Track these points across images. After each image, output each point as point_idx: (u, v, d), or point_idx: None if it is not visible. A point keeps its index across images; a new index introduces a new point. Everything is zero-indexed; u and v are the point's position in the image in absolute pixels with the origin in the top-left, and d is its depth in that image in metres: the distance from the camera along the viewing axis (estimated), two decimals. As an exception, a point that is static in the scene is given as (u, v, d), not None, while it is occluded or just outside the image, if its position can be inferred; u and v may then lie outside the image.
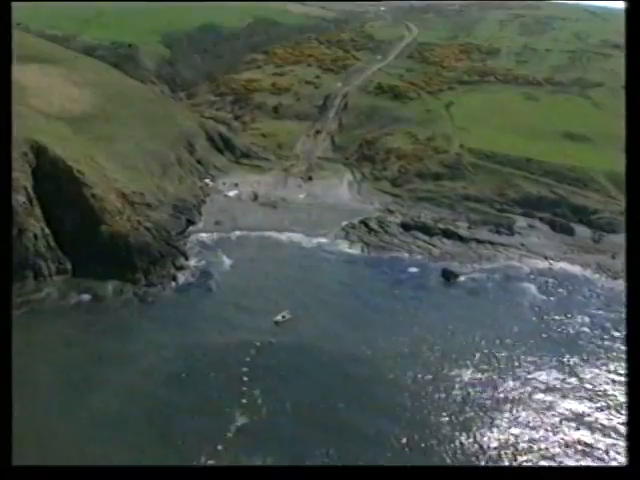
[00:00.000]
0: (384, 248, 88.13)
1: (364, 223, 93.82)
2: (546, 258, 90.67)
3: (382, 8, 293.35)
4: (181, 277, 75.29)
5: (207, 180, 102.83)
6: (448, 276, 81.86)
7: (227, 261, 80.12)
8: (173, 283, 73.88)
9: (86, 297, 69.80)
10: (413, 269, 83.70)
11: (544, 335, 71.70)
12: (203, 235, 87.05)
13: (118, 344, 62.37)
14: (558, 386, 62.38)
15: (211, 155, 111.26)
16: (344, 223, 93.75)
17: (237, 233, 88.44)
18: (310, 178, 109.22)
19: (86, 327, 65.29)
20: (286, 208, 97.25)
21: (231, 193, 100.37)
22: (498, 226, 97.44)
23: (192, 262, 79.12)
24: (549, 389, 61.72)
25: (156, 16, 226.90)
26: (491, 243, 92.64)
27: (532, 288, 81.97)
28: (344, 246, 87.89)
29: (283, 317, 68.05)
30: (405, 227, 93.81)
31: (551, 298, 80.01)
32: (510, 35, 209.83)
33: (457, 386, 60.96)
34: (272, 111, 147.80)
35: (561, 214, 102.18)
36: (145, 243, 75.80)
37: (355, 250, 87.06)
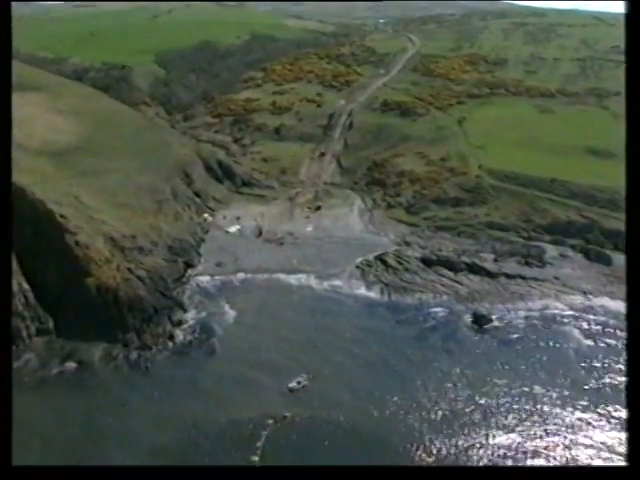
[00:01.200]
0: (405, 289, 77.96)
1: (381, 260, 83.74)
2: (585, 293, 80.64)
3: (381, 20, 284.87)
4: (179, 335, 65.24)
5: (206, 215, 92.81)
6: (480, 321, 71.75)
7: (231, 312, 70.04)
8: (170, 343, 63.66)
9: (71, 365, 59.70)
10: (440, 313, 73.51)
11: (594, 388, 61.83)
12: (203, 280, 77.00)
13: (113, 421, 52.36)
14: (618, 449, 52.62)
15: (210, 185, 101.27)
16: (359, 260, 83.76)
17: (241, 276, 78.37)
18: (318, 208, 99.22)
19: (76, 402, 55.27)
20: (294, 244, 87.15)
21: (232, 229, 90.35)
22: (527, 257, 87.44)
23: (191, 314, 69.07)
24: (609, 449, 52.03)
25: (150, 35, 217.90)
26: (522, 278, 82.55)
27: (575, 332, 71.87)
28: (361, 288, 77.77)
29: (298, 383, 57.95)
30: (426, 262, 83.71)
31: (598, 343, 69.87)
32: (515, 44, 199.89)
33: (504, 454, 51.09)
34: (273, 132, 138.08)
35: (594, 240, 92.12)
36: (137, 297, 65.63)
37: (374, 293, 76.91)
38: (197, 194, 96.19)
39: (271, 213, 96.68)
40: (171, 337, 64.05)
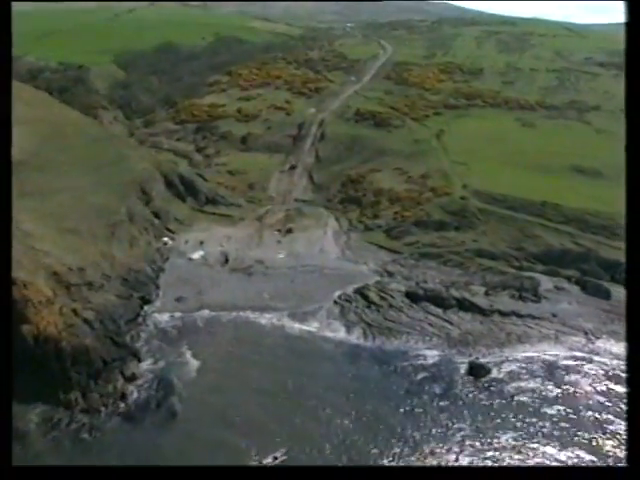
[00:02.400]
0: (391, 330, 68.27)
1: (361, 294, 73.95)
2: (586, 334, 71.94)
3: (349, 24, 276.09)
4: (133, 392, 54.51)
5: (165, 239, 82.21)
6: (477, 372, 62.38)
7: (193, 361, 59.59)
8: (122, 404, 53.05)
9: None
10: (431, 360, 64.00)
11: (615, 449, 53.04)
12: (161, 319, 66.42)
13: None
14: None
15: (170, 204, 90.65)
16: (337, 294, 73.94)
17: (205, 314, 67.97)
18: (289, 230, 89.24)
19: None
20: (264, 275, 76.99)
21: (195, 255, 79.91)
22: (521, 290, 78.48)
23: (147, 365, 58.50)
24: None
25: (110, 35, 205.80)
26: (517, 315, 73.52)
27: (582, 382, 63.00)
28: (341, 330, 67.84)
29: (275, 459, 47.85)
30: (412, 298, 74.20)
31: (608, 395, 61.01)
32: (490, 53, 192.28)
33: None
34: (239, 142, 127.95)
35: (590, 271, 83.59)
36: (83, 347, 54.87)
37: (355, 336, 67.02)
38: (156, 214, 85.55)
39: (238, 236, 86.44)
40: (123, 396, 53.42)
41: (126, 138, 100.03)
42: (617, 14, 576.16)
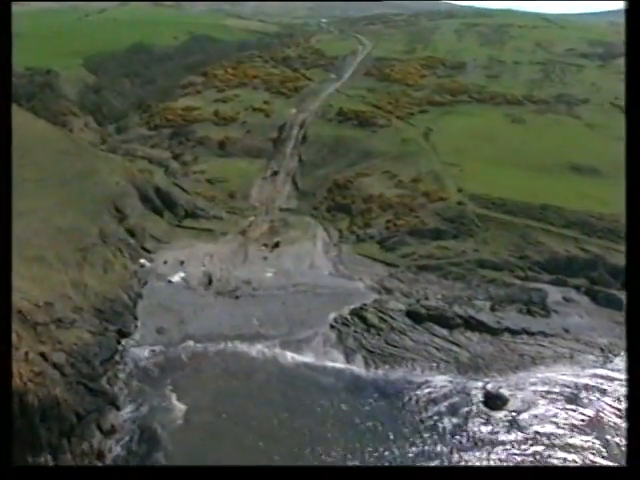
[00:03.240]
0: (394, 357, 61.68)
1: (359, 316, 67.26)
2: (602, 350, 66.10)
3: (324, 20, 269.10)
4: (112, 449, 47.43)
5: (143, 260, 74.84)
6: (494, 403, 56.03)
7: (179, 406, 52.52)
8: (99, 464, 45.97)
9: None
10: (442, 391, 57.53)
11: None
12: (141, 354, 59.23)
13: None
14: None
15: (147, 220, 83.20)
16: (332, 316, 67.19)
17: (189, 346, 60.90)
18: (276, 245, 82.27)
19: None
20: (252, 297, 69.95)
21: (176, 277, 72.68)
22: (528, 304, 72.48)
23: (127, 412, 51.38)
24: None
25: (79, 36, 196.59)
26: (528, 333, 67.39)
27: (606, 405, 56.97)
28: (340, 359, 61.13)
29: None
30: (414, 318, 67.66)
31: None
32: (471, 46, 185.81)
33: None
34: (217, 147, 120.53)
35: (599, 279, 77.73)
36: (53, 400, 47.52)
37: (357, 365, 60.30)
38: (131, 233, 78.15)
39: (221, 253, 79.31)
40: (101, 455, 46.34)
41: (96, 149, 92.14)
42: (588, 4, 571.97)
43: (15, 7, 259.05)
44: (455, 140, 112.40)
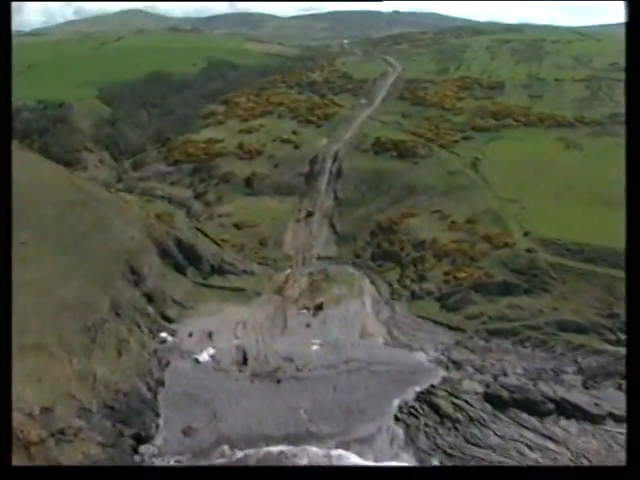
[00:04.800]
0: (479, 461, 48.43)
1: (429, 403, 54.23)
2: None
3: (345, 41, 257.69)
4: None
5: (163, 334, 62.29)
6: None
7: None
8: None
9: None
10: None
11: None
12: (164, 465, 46.42)
13: None
14: None
15: (167, 280, 70.74)
16: (396, 404, 54.29)
17: (224, 452, 48.12)
18: (320, 307, 69.50)
19: None
20: (296, 380, 57.09)
21: (204, 355, 60.03)
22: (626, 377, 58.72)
23: None
24: None
25: (94, 66, 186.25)
26: (636, 419, 53.57)
27: None
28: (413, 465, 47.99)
29: None
30: (495, 403, 54.58)
31: None
32: (506, 64, 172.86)
33: None
34: (244, 184, 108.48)
35: None
36: None
37: (435, 478, 47.06)
38: (150, 298, 65.73)
39: (256, 320, 66.64)
40: None
41: (109, 195, 79.67)
42: (600, 16, 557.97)
43: (28, 39, 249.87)
44: (508, 171, 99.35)
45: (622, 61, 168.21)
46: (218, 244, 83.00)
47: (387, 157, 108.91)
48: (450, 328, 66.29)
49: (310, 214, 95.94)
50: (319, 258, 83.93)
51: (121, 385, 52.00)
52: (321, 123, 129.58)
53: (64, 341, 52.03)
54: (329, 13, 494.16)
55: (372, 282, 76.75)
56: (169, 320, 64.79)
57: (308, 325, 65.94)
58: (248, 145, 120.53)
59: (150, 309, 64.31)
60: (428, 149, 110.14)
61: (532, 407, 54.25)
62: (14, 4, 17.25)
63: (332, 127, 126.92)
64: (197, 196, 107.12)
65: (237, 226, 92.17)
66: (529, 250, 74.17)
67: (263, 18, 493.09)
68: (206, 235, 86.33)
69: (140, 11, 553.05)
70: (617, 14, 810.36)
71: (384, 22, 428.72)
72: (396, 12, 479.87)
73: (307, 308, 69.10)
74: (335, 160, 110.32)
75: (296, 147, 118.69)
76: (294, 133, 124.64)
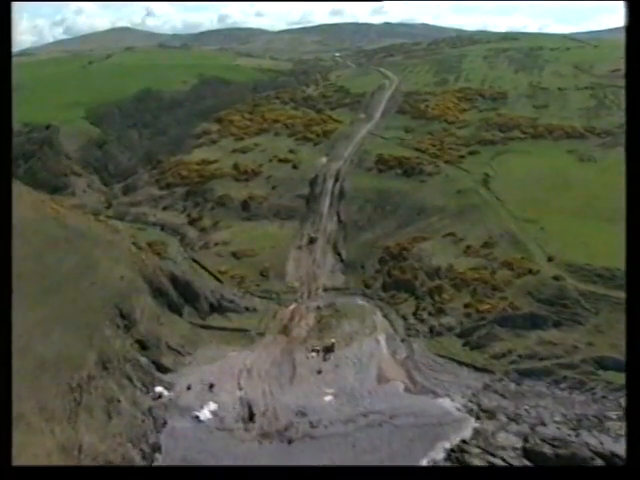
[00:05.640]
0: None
1: (462, 463, 47.25)
2: None
3: (337, 54, 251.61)
4: None
5: (159, 389, 55.16)
6: None
7: None
8: None
9: None
10: None
11: None
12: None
13: None
14: None
15: (161, 324, 63.60)
16: (424, 464, 47.17)
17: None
18: (330, 349, 62.56)
19: None
20: (310, 439, 50.03)
21: (205, 412, 52.91)
22: (679, 422, 51.90)
23: None
24: None
25: (82, 85, 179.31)
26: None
27: None
28: None
29: None
30: (536, 460, 47.62)
31: None
32: (506, 74, 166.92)
33: None
34: (240, 208, 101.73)
35: None
36: None
37: None
38: (142, 345, 58.70)
39: (261, 367, 59.61)
40: None
41: (95, 232, 72.13)
42: (590, 22, 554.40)
43: (16, 59, 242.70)
44: (521, 188, 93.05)
45: (622, 67, 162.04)
46: (218, 278, 75.99)
47: (391, 175, 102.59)
48: (476, 369, 59.44)
49: (312, 240, 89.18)
50: (325, 289, 77.15)
51: (112, 455, 44.93)
52: (319, 140, 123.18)
53: (44, 408, 44.88)
54: (319, 26, 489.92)
55: (385, 316, 70.00)
56: (165, 370, 57.73)
57: (319, 372, 58.97)
58: (244, 165, 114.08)
59: (143, 359, 57.23)
60: (434, 166, 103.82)
61: (578, 463, 47.34)
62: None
63: (331, 144, 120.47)
64: (191, 222, 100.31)
65: (235, 255, 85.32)
66: (556, 277, 67.48)
67: (252, 33, 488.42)
68: (203, 267, 79.40)
69: (129, 29, 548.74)
70: (607, 20, 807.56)
71: (374, 34, 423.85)
72: (387, 23, 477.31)
73: (316, 350, 62.09)
74: (336, 180, 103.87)
75: (294, 167, 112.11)
76: (291, 152, 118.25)
